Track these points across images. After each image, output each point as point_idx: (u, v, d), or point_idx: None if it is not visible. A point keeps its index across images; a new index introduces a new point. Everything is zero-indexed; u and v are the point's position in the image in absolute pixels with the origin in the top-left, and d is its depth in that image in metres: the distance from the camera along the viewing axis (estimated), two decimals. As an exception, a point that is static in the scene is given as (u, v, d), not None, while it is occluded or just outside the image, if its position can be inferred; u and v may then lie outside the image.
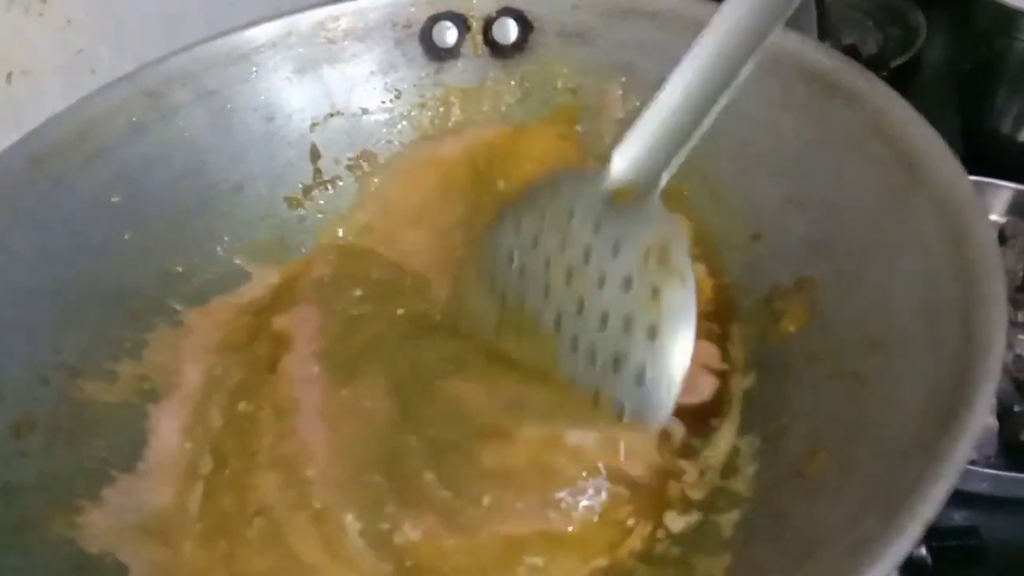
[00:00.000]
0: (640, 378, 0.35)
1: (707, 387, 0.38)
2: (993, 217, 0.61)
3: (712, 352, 0.39)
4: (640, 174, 0.37)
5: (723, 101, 0.36)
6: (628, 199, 0.37)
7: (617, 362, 0.36)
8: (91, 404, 0.42)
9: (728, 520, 0.34)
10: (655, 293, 0.35)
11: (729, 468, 0.36)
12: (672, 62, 0.44)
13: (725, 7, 0.36)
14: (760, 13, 0.35)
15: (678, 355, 0.35)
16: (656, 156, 0.37)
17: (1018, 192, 0.61)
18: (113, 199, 0.45)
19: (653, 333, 0.35)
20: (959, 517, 0.47)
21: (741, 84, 0.35)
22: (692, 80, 0.36)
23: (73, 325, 0.42)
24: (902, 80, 0.39)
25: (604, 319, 0.37)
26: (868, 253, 0.36)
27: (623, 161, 0.38)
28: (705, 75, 0.36)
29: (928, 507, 0.24)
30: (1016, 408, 0.51)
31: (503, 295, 0.42)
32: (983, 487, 0.47)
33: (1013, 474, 0.47)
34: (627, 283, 0.36)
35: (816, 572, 0.27)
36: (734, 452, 0.37)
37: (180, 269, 0.47)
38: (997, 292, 0.29)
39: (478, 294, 0.43)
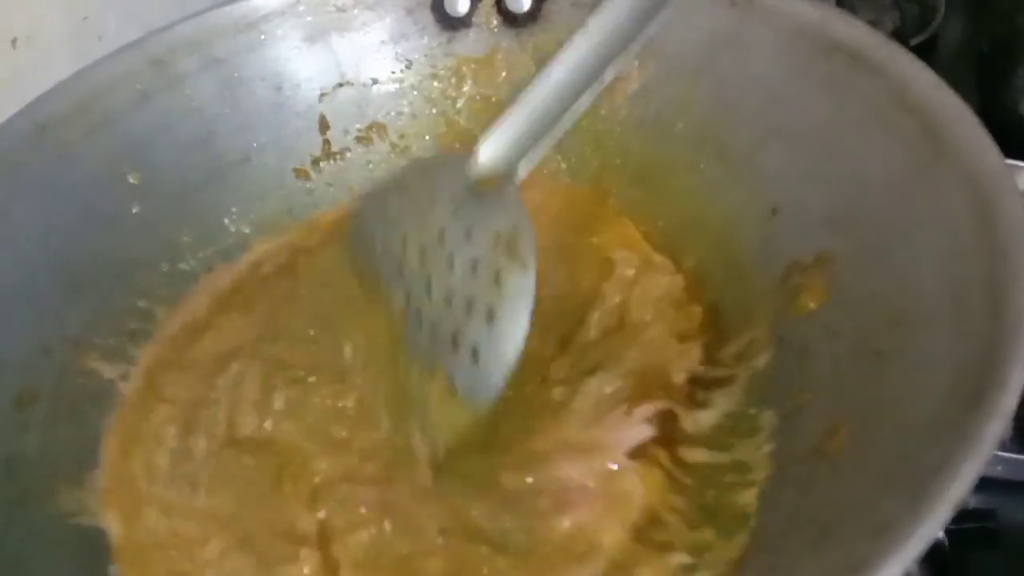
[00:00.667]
0: (475, 357, 0.36)
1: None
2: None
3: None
4: (502, 163, 0.39)
5: (585, 101, 0.38)
6: (490, 186, 0.39)
7: (456, 340, 0.37)
8: (94, 376, 0.41)
9: (745, 499, 0.34)
10: (497, 278, 0.36)
11: (744, 445, 0.35)
12: (688, 29, 0.43)
13: (599, 11, 0.38)
14: (631, 20, 0.38)
15: (512, 338, 0.35)
16: (518, 147, 0.39)
17: (1037, 173, 0.60)
18: (119, 169, 0.45)
19: (491, 315, 0.36)
20: (974, 501, 0.46)
21: (603, 85, 0.38)
22: (561, 78, 0.38)
23: (77, 296, 0.42)
24: (919, 59, 0.38)
25: (449, 299, 0.38)
26: (891, 227, 0.35)
27: (489, 149, 0.39)
28: (573, 75, 0.38)
29: (958, 487, 0.24)
30: (1032, 391, 0.50)
31: (363, 271, 0.43)
32: (998, 470, 0.47)
33: (1028, 458, 0.47)
34: (474, 266, 0.37)
35: (837, 553, 0.26)
36: (751, 429, 0.36)
37: (187, 240, 0.46)
38: (1028, 268, 0.28)
39: (348, 268, 0.44)
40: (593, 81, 0.38)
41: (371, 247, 0.43)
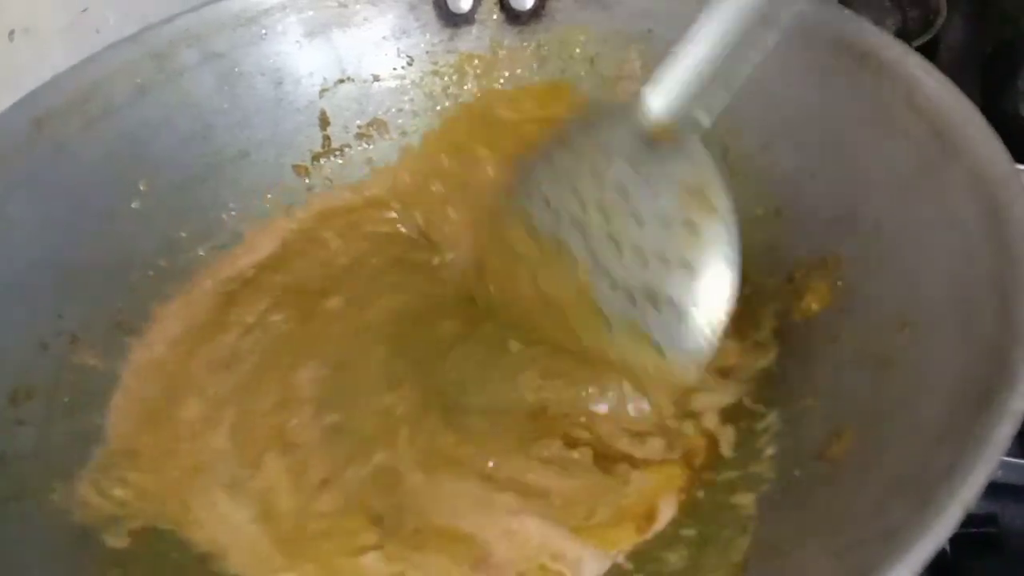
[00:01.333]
0: (682, 315, 0.35)
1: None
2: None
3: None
4: (676, 111, 0.36)
5: (766, 41, 0.34)
6: (667, 137, 0.36)
7: (657, 299, 0.35)
8: (92, 372, 0.41)
9: (747, 501, 0.33)
10: (694, 230, 0.35)
11: (748, 449, 0.35)
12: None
13: None
14: None
15: (719, 290, 0.34)
16: (691, 92, 0.36)
17: (1040, 177, 0.60)
18: (116, 163, 0.44)
19: (693, 269, 0.34)
20: (976, 505, 0.46)
21: (786, 22, 0.34)
22: (732, 11, 0.34)
23: (75, 291, 0.42)
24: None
25: (643, 257, 0.36)
26: (897, 229, 0.35)
27: (659, 97, 0.36)
28: (745, 8, 0.34)
29: (968, 490, 0.23)
30: (1033, 395, 0.49)
31: (539, 238, 0.40)
32: (998, 474, 0.46)
33: (1029, 462, 0.46)
34: (665, 221, 0.35)
35: (846, 558, 0.26)
36: (753, 433, 0.36)
37: (184, 235, 0.46)
38: (1037, 270, 0.28)
39: (513, 240, 0.41)
40: (769, 15, 0.34)
41: (544, 208, 0.40)
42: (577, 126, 0.40)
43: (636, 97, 0.37)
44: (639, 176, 0.36)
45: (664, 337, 0.35)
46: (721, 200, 0.34)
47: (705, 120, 0.36)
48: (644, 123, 0.37)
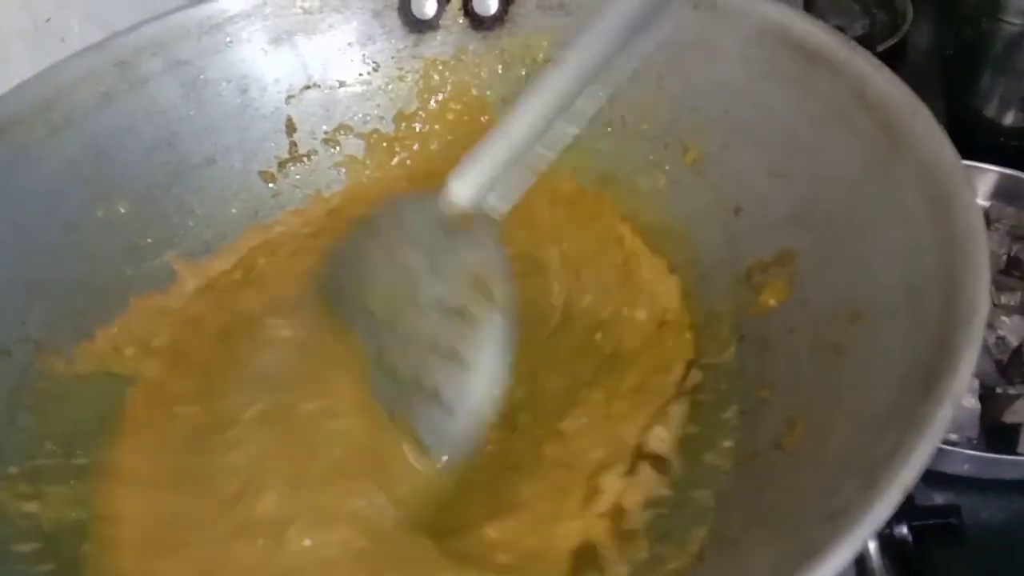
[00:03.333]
0: (448, 410, 0.34)
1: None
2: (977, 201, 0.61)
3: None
4: (476, 200, 0.36)
5: (564, 133, 0.36)
6: (466, 226, 0.36)
7: (428, 393, 0.35)
8: (56, 379, 0.41)
9: (705, 493, 0.34)
10: (471, 321, 0.35)
11: (706, 442, 0.35)
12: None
13: (572, 44, 0.35)
14: (606, 51, 0.35)
15: (485, 383, 0.34)
16: (493, 185, 0.36)
17: (1003, 176, 0.61)
18: (81, 170, 0.44)
19: (463, 363, 0.34)
20: (940, 498, 0.47)
21: (583, 120, 0.36)
22: (535, 110, 0.35)
23: (38, 297, 0.42)
24: (888, 64, 0.39)
25: (420, 344, 0.36)
26: (849, 224, 0.35)
27: (461, 186, 0.36)
28: (547, 106, 0.35)
29: (907, 472, 0.24)
30: (998, 390, 0.50)
31: (334, 319, 0.41)
32: (964, 468, 0.47)
33: (994, 455, 0.47)
34: (447, 310, 0.36)
35: (794, 540, 0.26)
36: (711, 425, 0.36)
37: (150, 242, 0.46)
38: (980, 258, 0.28)
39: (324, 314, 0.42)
40: (566, 110, 0.35)
41: (341, 293, 0.41)
42: (385, 213, 0.40)
43: (444, 185, 0.37)
44: (430, 264, 0.37)
45: (426, 429, 0.35)
46: (502, 293, 0.34)
47: (501, 206, 0.36)
48: (445, 211, 0.37)
